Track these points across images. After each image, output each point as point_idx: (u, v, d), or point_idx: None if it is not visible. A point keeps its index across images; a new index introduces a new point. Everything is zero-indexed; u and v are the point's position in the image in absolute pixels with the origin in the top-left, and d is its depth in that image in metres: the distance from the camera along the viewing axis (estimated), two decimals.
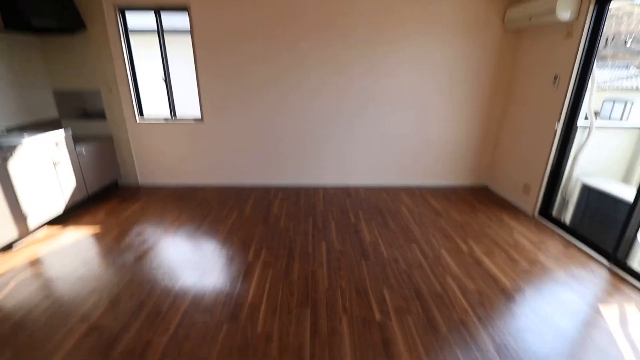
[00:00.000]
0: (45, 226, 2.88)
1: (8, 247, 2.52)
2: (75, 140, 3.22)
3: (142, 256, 2.48)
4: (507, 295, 2.11)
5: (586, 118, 3.13)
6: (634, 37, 6.05)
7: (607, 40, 5.81)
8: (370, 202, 3.57)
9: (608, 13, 2.60)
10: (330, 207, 3.44)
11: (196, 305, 1.95)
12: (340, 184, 4.08)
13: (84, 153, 3.25)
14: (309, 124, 3.79)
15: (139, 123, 3.71)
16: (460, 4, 3.36)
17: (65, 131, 3.04)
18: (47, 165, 2.82)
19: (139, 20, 3.75)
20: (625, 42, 6.25)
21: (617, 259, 2.42)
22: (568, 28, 2.80)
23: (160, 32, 3.53)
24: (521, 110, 3.49)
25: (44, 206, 2.77)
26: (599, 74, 6.49)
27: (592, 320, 1.93)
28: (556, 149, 3.04)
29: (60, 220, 3.00)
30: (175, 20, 3.77)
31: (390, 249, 2.63)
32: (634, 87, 6.59)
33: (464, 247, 2.69)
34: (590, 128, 3.14)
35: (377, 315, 1.90)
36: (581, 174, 3.36)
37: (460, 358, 1.63)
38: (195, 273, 2.28)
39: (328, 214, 3.27)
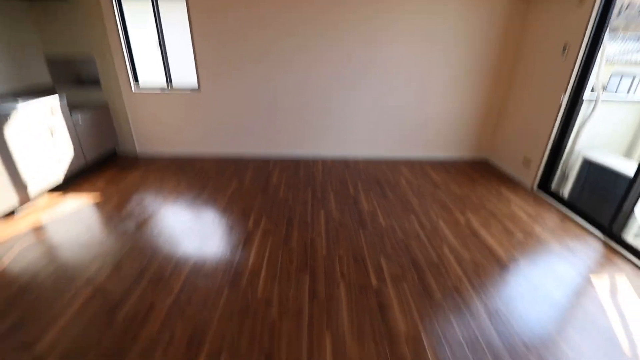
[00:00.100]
0: (46, 194, 2.89)
1: (10, 214, 2.55)
2: (71, 107, 3.16)
3: (143, 224, 2.51)
4: (501, 265, 2.16)
5: (592, 90, 3.06)
6: None
7: (620, 8, 5.55)
8: (369, 174, 3.57)
9: None
10: (329, 177, 3.44)
11: (197, 272, 2.00)
12: (340, 156, 4.06)
13: (80, 122, 3.20)
14: (308, 94, 3.71)
15: (134, 92, 3.63)
16: None
17: (60, 98, 2.97)
18: (43, 132, 2.78)
19: None
20: None
21: (612, 232, 2.45)
22: None
23: None
24: (527, 81, 3.39)
25: (43, 173, 2.76)
26: (609, 46, 6.28)
27: (583, 290, 1.98)
28: (560, 122, 2.99)
29: (61, 188, 3.01)
30: None
31: (389, 219, 2.66)
32: None
33: (461, 218, 2.72)
34: (596, 101, 3.08)
35: (374, 282, 1.95)
36: (583, 147, 3.34)
37: (453, 322, 1.69)
38: (195, 241, 2.32)
39: (327, 184, 3.28)
